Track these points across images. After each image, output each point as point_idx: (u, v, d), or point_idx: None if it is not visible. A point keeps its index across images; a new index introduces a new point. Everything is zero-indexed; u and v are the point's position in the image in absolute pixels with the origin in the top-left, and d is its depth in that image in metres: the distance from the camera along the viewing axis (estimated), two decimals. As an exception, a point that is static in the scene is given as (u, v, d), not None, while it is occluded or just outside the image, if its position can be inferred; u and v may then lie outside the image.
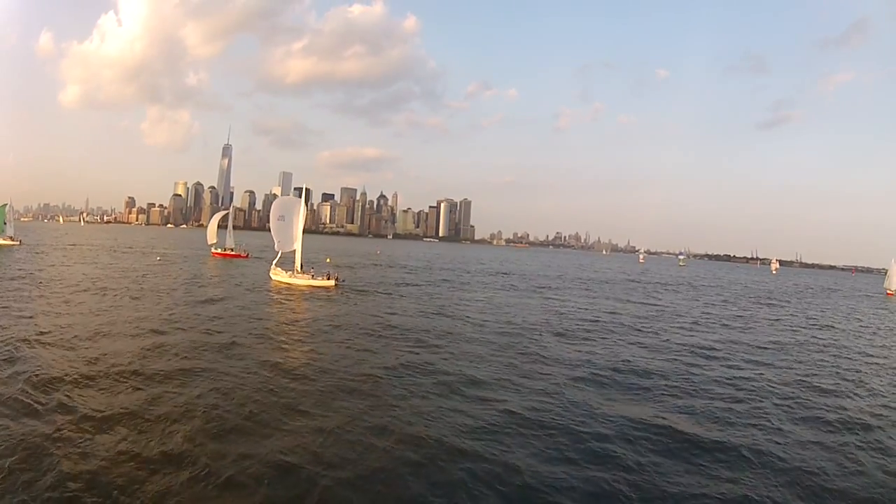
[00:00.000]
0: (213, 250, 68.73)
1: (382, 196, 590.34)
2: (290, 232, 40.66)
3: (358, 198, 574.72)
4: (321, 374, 17.09)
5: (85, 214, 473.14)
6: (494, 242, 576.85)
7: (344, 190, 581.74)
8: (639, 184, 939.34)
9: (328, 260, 47.39)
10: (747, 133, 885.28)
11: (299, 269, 39.64)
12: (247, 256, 65.71)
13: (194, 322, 24.75)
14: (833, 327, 38.98)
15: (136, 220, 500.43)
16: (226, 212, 72.65)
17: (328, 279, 38.58)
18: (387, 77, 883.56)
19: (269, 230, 42.31)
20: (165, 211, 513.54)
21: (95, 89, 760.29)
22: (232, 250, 68.15)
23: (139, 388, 14.61)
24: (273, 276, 40.09)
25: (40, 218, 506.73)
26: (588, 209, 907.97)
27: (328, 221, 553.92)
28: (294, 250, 40.82)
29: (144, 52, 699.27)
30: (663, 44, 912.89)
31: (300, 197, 44.51)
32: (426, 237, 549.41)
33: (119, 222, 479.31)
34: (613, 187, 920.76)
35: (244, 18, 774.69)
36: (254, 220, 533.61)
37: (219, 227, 70.54)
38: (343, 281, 39.80)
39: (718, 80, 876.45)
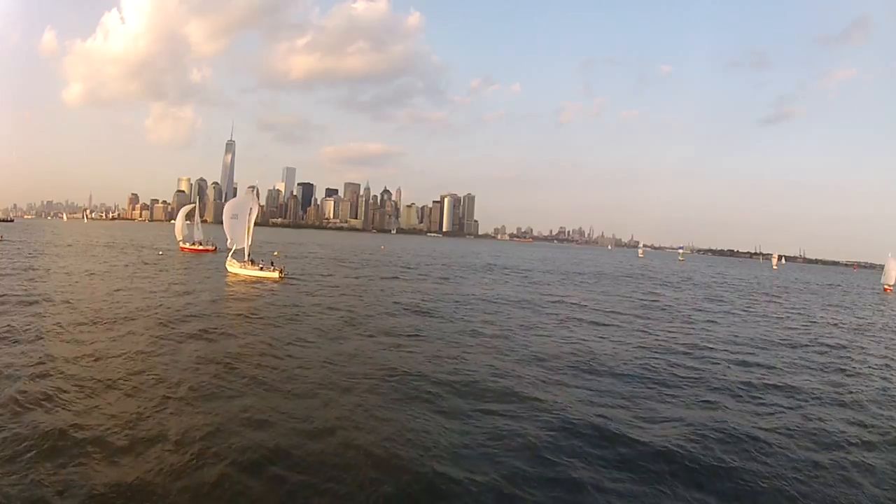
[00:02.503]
0: (181, 245, 68.34)
1: (386, 191, 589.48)
2: (242, 230, 44.13)
3: (361, 193, 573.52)
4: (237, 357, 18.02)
5: (88, 211, 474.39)
6: (498, 237, 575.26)
7: (347, 185, 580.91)
8: (642, 179, 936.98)
9: (276, 254, 49.24)
10: (750, 128, 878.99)
11: (249, 262, 43.11)
12: (214, 250, 64.74)
13: (140, 303, 27.61)
14: (826, 324, 37.06)
15: (140, 217, 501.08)
16: (192, 206, 71.87)
17: (274, 271, 41.56)
18: (390, 72, 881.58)
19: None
20: (169, 207, 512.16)
21: (99, 86, 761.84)
22: (200, 244, 67.50)
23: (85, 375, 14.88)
24: (228, 268, 43.52)
25: (43, 215, 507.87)
26: (591, 204, 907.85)
27: (332, 217, 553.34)
28: (246, 245, 44.42)
29: (148, 49, 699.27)
30: (666, 39, 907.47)
31: (256, 196, 48.40)
32: (430, 232, 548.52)
33: (123, 219, 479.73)
34: (617, 182, 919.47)
35: (247, 15, 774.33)
36: (257, 216, 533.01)
37: (187, 221, 70.11)
38: (288, 273, 42.67)
39: (721, 75, 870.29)
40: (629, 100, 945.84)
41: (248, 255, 43.86)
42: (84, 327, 21.22)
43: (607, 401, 14.93)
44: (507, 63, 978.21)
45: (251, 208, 44.46)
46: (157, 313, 24.86)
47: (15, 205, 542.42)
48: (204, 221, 72.86)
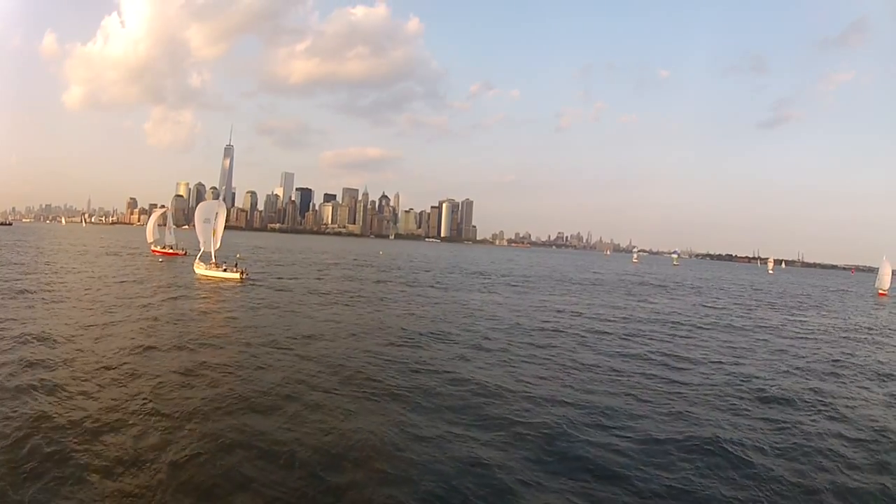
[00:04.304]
0: (152, 248, 69.91)
1: (384, 196, 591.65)
2: (211, 233, 46.61)
3: (360, 198, 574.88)
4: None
5: (87, 215, 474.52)
6: (496, 242, 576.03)
7: (346, 190, 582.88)
8: (641, 183, 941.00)
9: (238, 255, 51.81)
10: (748, 132, 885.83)
11: (214, 264, 45.64)
12: (185, 254, 65.97)
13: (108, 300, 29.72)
14: (814, 332, 35.32)
15: (139, 221, 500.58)
16: (164, 210, 74.42)
17: (235, 272, 44.11)
18: (389, 77, 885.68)
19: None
20: (167, 212, 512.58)
21: (99, 90, 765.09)
22: (171, 248, 68.82)
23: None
24: (196, 270, 46.03)
25: (41, 219, 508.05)
26: (590, 209, 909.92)
27: (330, 222, 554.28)
28: (216, 248, 46.85)
29: (148, 54, 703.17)
30: (664, 44, 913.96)
31: (220, 202, 50.81)
32: (428, 237, 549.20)
33: (121, 223, 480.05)
34: (615, 187, 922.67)
35: (248, 20, 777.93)
36: (255, 221, 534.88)
37: (159, 225, 72.22)
38: (247, 276, 45.19)
39: (719, 79, 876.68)
40: (628, 104, 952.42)
41: (214, 257, 45.99)
42: (43, 322, 22.14)
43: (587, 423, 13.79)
44: (507, 68, 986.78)
45: (217, 213, 46.71)
46: (126, 311, 26.79)
47: (14, 208, 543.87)
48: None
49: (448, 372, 17.91)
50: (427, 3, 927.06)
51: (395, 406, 14.25)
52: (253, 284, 42.00)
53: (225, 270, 44.42)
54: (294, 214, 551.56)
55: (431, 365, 18.85)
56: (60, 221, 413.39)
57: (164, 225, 72.19)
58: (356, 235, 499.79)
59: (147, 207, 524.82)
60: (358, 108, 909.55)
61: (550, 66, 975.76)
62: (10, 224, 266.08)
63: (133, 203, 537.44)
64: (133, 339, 20.35)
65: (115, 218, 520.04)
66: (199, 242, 46.93)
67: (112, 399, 13.48)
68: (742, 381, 19.19)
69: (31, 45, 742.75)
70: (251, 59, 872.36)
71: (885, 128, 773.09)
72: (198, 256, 46.96)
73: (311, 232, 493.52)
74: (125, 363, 16.85)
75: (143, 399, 13.53)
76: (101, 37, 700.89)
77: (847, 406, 16.92)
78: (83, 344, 19.21)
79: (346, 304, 34.17)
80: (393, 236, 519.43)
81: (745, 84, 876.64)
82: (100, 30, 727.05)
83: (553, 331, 28.12)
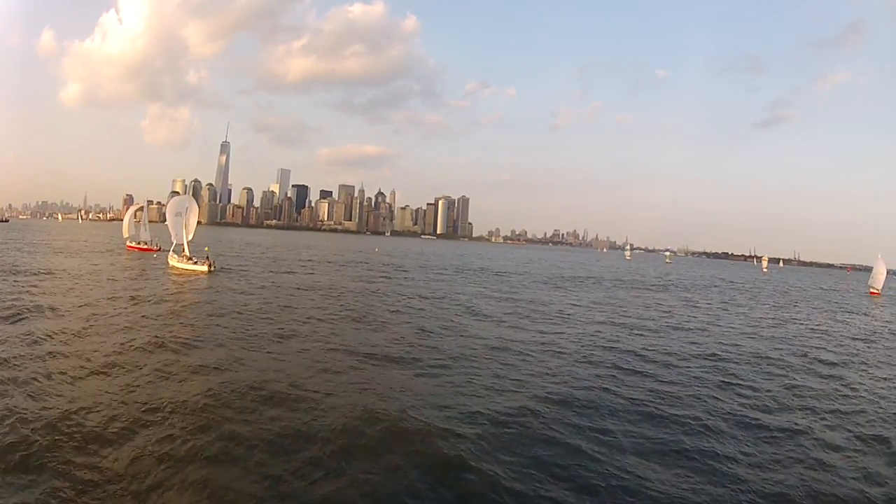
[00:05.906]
0: (127, 244, 71.50)
1: (381, 193, 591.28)
2: (183, 227, 48.51)
3: (356, 195, 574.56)
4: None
5: (83, 212, 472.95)
6: (492, 240, 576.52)
7: (342, 187, 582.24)
8: (637, 182, 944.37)
9: (207, 249, 52.89)
10: (745, 132, 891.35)
11: (185, 257, 47.92)
12: (158, 249, 67.03)
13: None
14: (800, 332, 34.27)
15: (135, 218, 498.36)
16: (140, 206, 75.74)
17: (203, 265, 46.40)
18: (386, 75, 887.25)
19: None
20: (163, 208, 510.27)
21: (96, 87, 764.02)
22: (146, 244, 70.14)
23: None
24: (170, 262, 48.49)
25: (38, 216, 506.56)
26: (587, 207, 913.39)
27: (326, 218, 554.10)
28: (189, 242, 48.83)
29: (145, 51, 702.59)
30: (661, 44, 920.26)
31: (190, 197, 53.15)
32: (424, 234, 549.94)
33: (119, 220, 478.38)
34: (612, 185, 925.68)
35: (245, 17, 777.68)
36: (252, 217, 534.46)
37: (136, 222, 73.63)
38: (214, 268, 47.25)
39: (716, 79, 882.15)
40: (625, 104, 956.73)
41: (185, 250, 48.20)
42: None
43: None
44: (504, 67, 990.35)
45: (188, 208, 48.78)
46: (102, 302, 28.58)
47: (10, 205, 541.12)
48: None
49: (416, 379, 16.96)
50: (424, 1, 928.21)
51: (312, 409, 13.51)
52: (219, 277, 44.08)
53: (195, 263, 46.69)
54: (290, 211, 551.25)
55: (408, 372, 17.75)
56: (57, 218, 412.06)
57: (140, 221, 73.46)
58: (352, 232, 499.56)
59: (143, 204, 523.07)
60: (355, 105, 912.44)
61: (547, 66, 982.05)
62: (6, 221, 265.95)
63: (129, 200, 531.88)
64: (86, 322, 22.33)
65: (112, 215, 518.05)
66: (171, 236, 48.73)
67: (55, 384, 14.53)
68: (713, 382, 18.96)
69: (29, 43, 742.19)
70: (249, 57, 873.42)
71: (881, 128, 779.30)
72: (171, 249, 49.16)
73: (308, 228, 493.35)
74: (66, 342, 18.78)
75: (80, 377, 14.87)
76: (99, 34, 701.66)
77: (830, 407, 16.73)
78: (34, 326, 20.87)
79: (306, 298, 34.36)
80: (389, 233, 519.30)
81: (742, 84, 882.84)
82: (97, 27, 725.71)
83: (533, 331, 27.13)
